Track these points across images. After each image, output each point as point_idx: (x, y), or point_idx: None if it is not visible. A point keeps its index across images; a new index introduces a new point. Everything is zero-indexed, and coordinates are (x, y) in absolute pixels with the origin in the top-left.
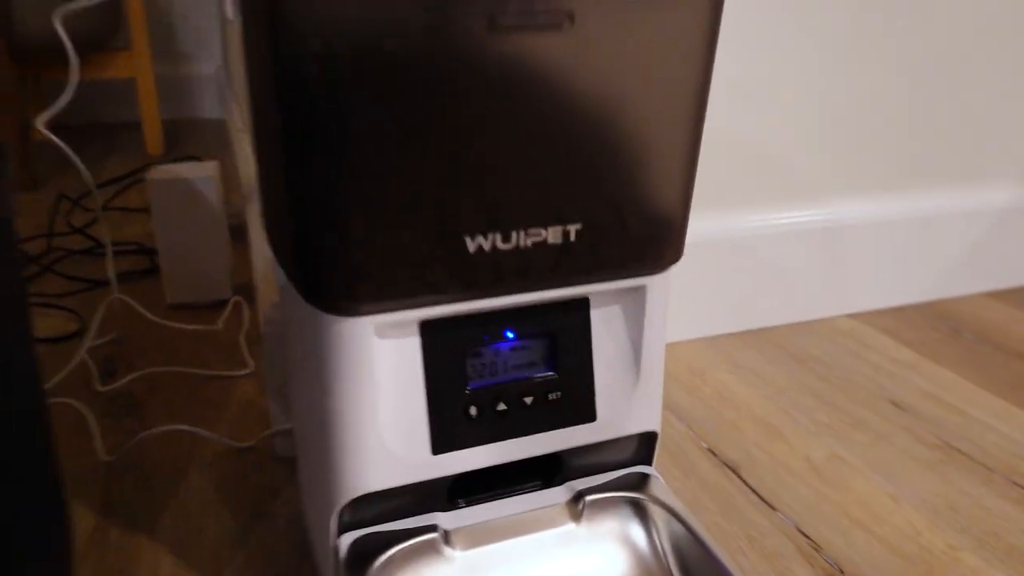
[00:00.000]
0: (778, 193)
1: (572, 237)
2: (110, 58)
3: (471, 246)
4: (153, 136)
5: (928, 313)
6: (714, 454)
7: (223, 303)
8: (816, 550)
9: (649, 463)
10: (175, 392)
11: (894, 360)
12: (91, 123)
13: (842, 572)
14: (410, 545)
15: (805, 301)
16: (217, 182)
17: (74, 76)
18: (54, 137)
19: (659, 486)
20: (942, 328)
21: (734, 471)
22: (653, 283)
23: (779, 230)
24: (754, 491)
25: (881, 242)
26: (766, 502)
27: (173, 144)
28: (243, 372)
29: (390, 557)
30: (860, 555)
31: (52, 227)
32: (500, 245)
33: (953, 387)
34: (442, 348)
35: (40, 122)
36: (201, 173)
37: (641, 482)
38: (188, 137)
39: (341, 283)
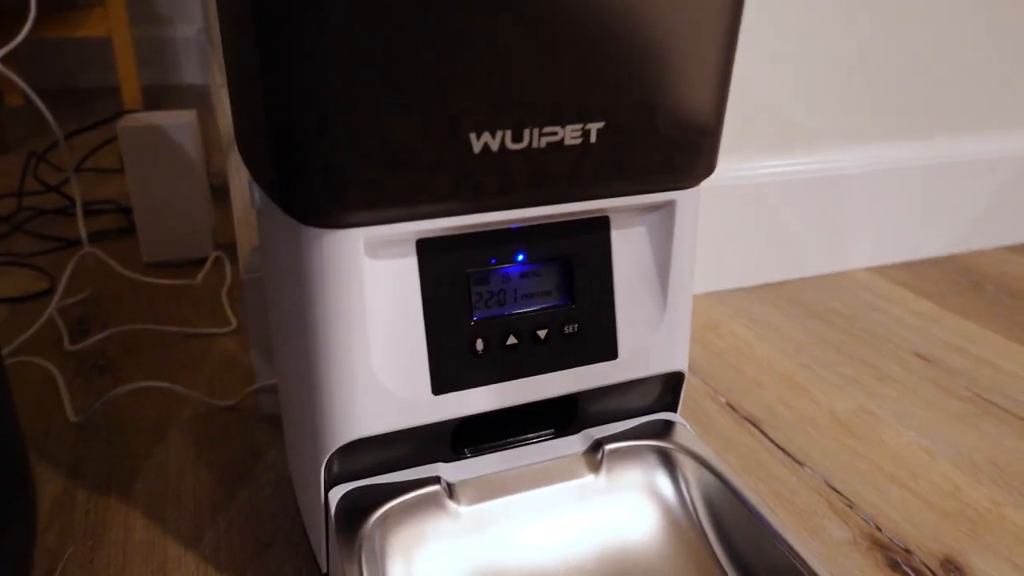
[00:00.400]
0: (789, 141)
1: (593, 138)
2: (84, 15)
3: (476, 145)
4: (131, 98)
5: (946, 267)
6: (734, 409)
7: (203, 261)
8: (850, 507)
9: (674, 409)
10: (151, 350)
11: (916, 313)
12: (69, 88)
13: (879, 530)
14: (409, 499)
15: (818, 255)
16: (194, 130)
17: (32, 10)
18: (11, 74)
19: (686, 434)
20: (963, 281)
21: (756, 426)
22: (683, 199)
23: (790, 179)
24: (779, 447)
25: (895, 193)
26: (793, 458)
27: (153, 108)
28: (225, 329)
29: (387, 512)
30: (898, 512)
31: (23, 186)
32: (510, 145)
33: (980, 339)
34: (443, 272)
35: None
36: (176, 121)
37: (666, 429)
38: (169, 102)
39: (324, 186)
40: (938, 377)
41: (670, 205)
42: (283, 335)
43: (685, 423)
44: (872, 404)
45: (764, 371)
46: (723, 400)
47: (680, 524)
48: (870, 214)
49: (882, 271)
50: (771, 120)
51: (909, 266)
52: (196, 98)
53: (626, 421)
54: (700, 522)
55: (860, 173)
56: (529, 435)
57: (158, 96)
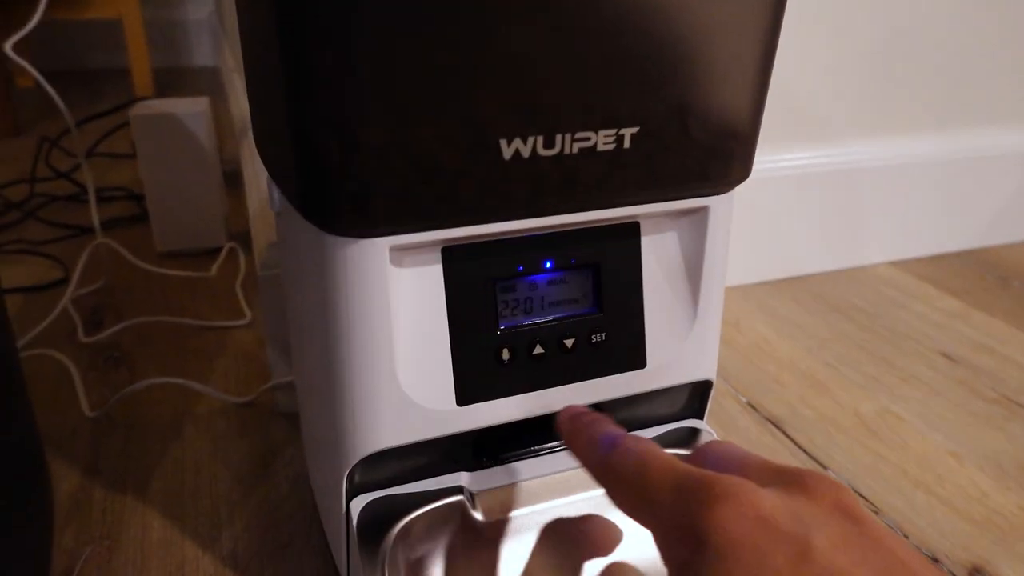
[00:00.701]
0: (810, 134)
1: (626, 143)
2: None
3: (507, 151)
4: (142, 81)
5: (971, 261)
6: (755, 409)
7: (217, 251)
8: (875, 512)
9: (701, 416)
10: (166, 343)
11: (940, 310)
12: (78, 70)
13: (905, 537)
14: (432, 509)
15: (839, 249)
16: (208, 118)
17: None
18: (23, 61)
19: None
20: (988, 277)
21: (778, 427)
22: (716, 205)
23: (810, 172)
24: (802, 448)
25: (918, 186)
26: (815, 460)
27: (164, 92)
28: (240, 322)
29: (410, 523)
30: (923, 518)
31: (34, 172)
32: (541, 151)
33: (1007, 337)
34: (468, 280)
35: (8, 45)
36: (190, 109)
37: (692, 438)
38: (180, 85)
39: (350, 198)
40: (964, 377)
41: (703, 211)
42: (303, 339)
43: (712, 431)
44: (896, 405)
45: (786, 369)
46: (744, 400)
47: None
48: (892, 207)
49: (905, 265)
50: (791, 112)
51: (932, 261)
52: (207, 80)
53: (652, 428)
54: None
55: (882, 166)
56: (553, 444)
57: (169, 79)
